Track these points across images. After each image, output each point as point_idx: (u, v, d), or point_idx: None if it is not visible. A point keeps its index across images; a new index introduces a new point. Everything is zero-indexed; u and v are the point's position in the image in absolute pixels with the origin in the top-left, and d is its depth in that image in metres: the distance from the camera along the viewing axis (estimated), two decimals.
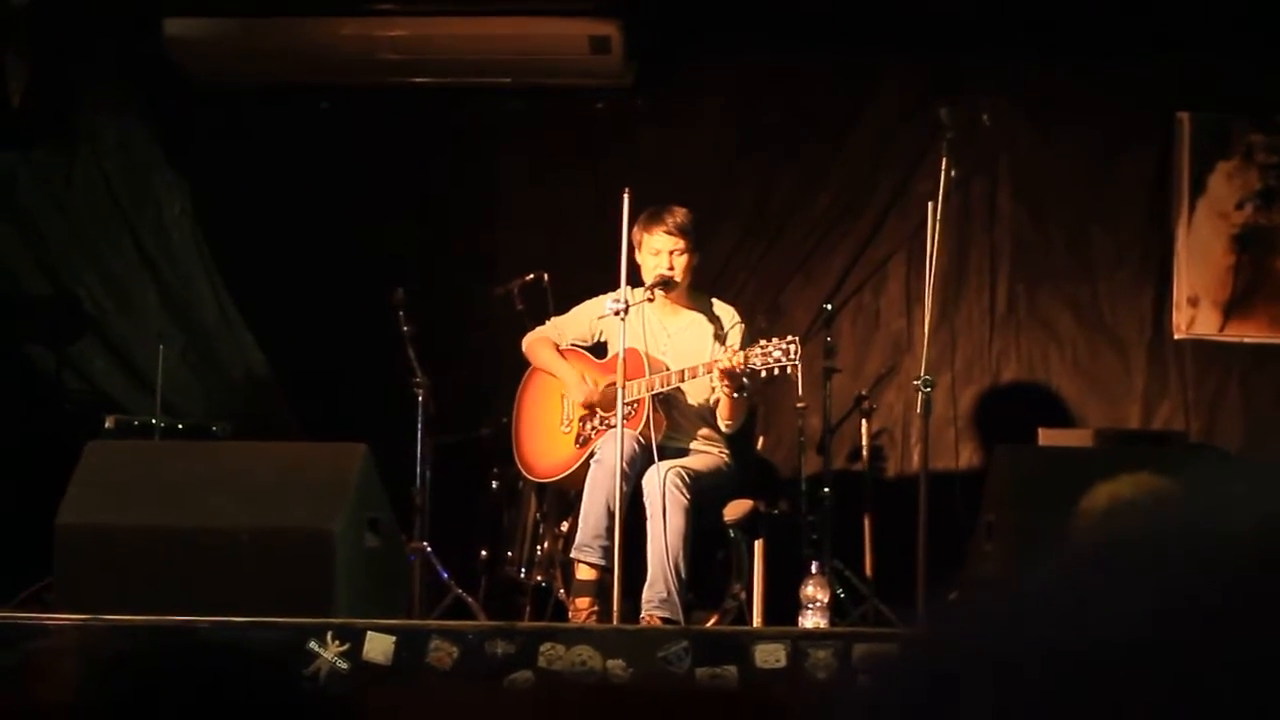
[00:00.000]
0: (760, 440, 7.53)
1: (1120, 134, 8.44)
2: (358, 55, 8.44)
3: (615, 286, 6.34)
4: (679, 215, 6.68)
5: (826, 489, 7.32)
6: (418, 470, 7.31)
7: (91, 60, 8.56)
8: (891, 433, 8.36)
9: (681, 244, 6.65)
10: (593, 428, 6.76)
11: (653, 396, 6.51)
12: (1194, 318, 8.36)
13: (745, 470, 6.94)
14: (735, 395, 6.48)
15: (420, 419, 7.34)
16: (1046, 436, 7.32)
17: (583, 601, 6.40)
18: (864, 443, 7.75)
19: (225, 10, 8.40)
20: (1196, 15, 8.01)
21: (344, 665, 5.20)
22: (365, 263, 8.29)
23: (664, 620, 6.11)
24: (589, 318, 6.91)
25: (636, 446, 6.38)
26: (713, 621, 6.40)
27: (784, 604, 6.40)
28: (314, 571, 5.68)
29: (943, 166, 6.41)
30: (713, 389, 6.60)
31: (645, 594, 6.21)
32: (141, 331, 8.39)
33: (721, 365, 6.33)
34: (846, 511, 7.38)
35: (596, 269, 6.88)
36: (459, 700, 5.17)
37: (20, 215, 8.40)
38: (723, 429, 6.70)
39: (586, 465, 6.52)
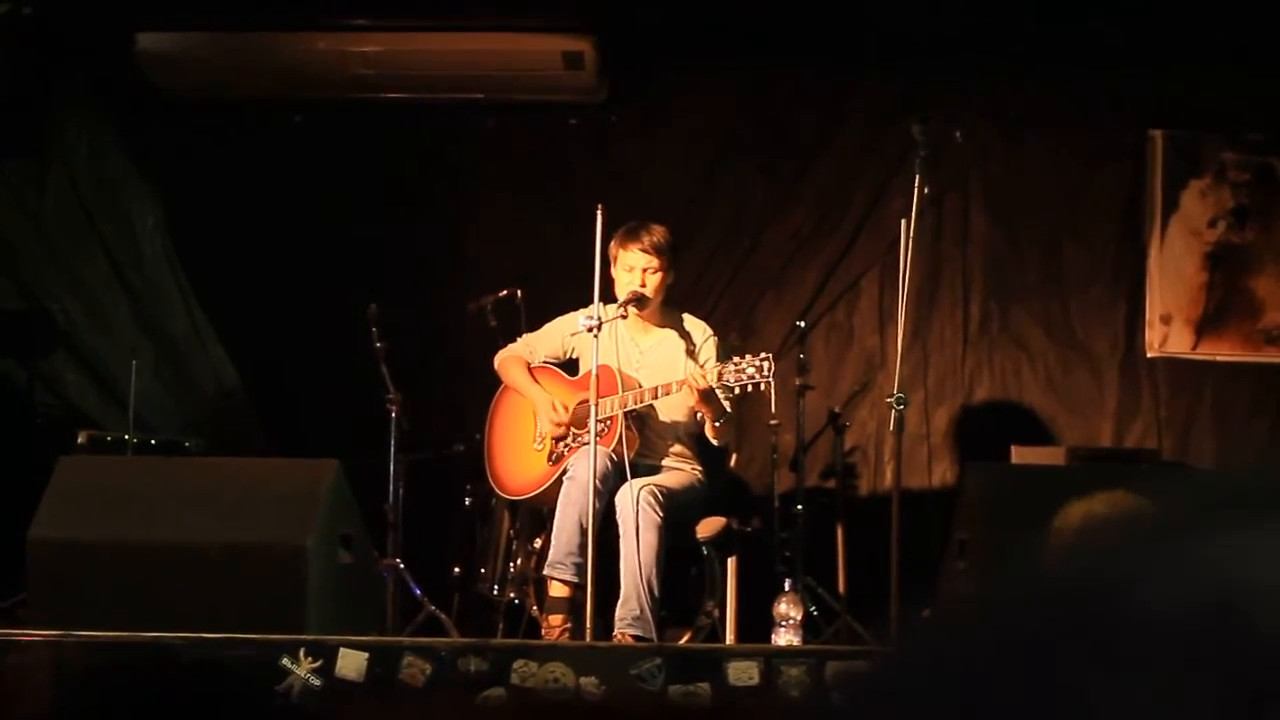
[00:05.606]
0: (733, 457, 7.53)
1: (1093, 151, 8.45)
2: (331, 70, 8.43)
3: (588, 303, 6.32)
4: (656, 234, 6.66)
5: (799, 506, 7.33)
6: (390, 487, 7.28)
7: (64, 73, 8.55)
8: (864, 450, 8.37)
9: (656, 262, 6.63)
10: (565, 445, 6.74)
11: (625, 414, 6.50)
12: (1166, 335, 8.38)
13: (718, 487, 6.94)
14: (716, 422, 6.49)
15: (393, 435, 7.32)
16: (1019, 454, 7.34)
17: (555, 619, 6.38)
18: (837, 460, 7.76)
19: (198, 25, 8.38)
20: (1169, 33, 8.03)
21: (316, 682, 5.19)
22: (338, 278, 8.26)
23: (637, 638, 6.10)
24: (561, 334, 6.90)
25: (609, 463, 6.37)
26: (686, 639, 6.39)
27: (757, 621, 6.40)
28: (286, 588, 5.67)
29: (915, 184, 6.41)
30: (691, 408, 6.59)
31: (618, 611, 6.19)
32: (114, 346, 8.38)
33: (695, 383, 6.32)
34: (819, 529, 7.39)
35: (570, 285, 6.88)
36: (432, 717, 5.16)
37: None
38: (712, 443, 6.69)
39: (559, 482, 6.50)
